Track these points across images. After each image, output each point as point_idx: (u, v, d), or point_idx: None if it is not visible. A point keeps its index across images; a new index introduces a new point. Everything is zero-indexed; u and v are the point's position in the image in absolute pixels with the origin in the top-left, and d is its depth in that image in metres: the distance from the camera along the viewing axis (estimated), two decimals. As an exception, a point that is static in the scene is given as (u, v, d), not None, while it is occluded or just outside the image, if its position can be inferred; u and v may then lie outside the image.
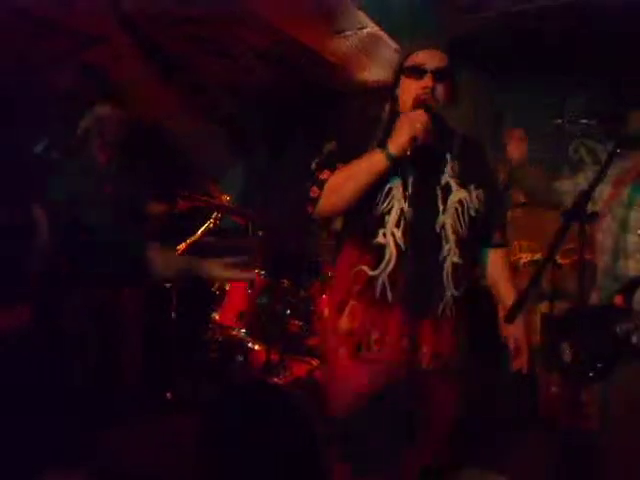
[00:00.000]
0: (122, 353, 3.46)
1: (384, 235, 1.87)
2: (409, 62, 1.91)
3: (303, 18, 3.19)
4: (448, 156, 1.94)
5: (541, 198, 2.95)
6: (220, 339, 3.29)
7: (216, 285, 3.65)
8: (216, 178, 4.18)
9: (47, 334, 3.41)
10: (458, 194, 1.92)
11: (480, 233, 2.01)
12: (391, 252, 1.86)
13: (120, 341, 3.44)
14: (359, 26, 3.30)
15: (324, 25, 3.30)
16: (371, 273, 1.88)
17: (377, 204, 1.88)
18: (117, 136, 3.47)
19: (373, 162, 1.84)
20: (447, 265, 1.88)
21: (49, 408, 3.08)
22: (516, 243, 4.12)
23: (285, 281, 3.26)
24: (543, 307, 3.68)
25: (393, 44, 3.57)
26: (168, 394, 3.53)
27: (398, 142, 1.79)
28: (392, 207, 1.87)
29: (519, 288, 2.01)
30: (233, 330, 3.20)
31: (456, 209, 1.91)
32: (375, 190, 1.87)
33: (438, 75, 1.89)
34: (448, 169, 1.93)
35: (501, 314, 2.35)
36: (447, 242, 1.89)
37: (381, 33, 3.40)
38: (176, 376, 3.62)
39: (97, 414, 3.21)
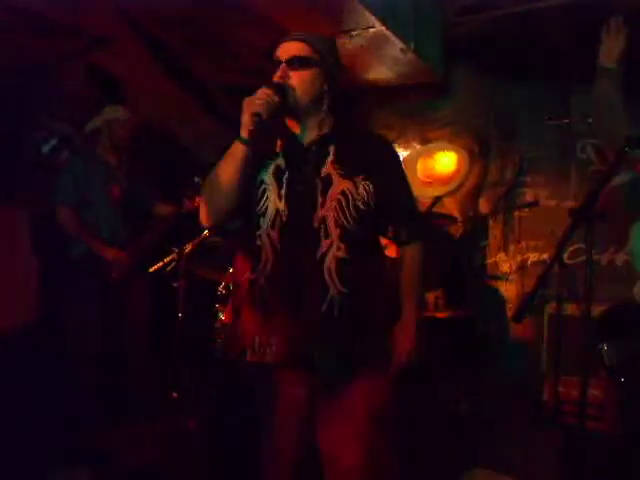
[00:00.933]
0: (128, 351, 3.47)
1: (260, 237, 1.83)
2: (273, 55, 1.88)
3: (308, 17, 3.18)
4: (331, 148, 1.86)
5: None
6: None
7: (222, 285, 3.66)
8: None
9: (52, 332, 3.43)
10: (340, 185, 1.82)
11: (378, 229, 1.93)
12: (267, 254, 1.81)
13: (126, 339, 3.44)
14: (365, 25, 3.29)
15: (330, 25, 3.29)
16: (252, 277, 1.85)
17: (255, 206, 1.84)
18: (126, 139, 3.49)
19: (232, 150, 1.79)
20: (328, 261, 1.78)
21: (52, 406, 3.09)
22: (523, 243, 4.11)
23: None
24: (550, 308, 3.67)
25: (399, 43, 3.56)
26: (174, 394, 3.54)
27: (242, 123, 1.75)
28: (267, 208, 1.82)
29: (527, 289, 2.00)
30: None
31: (339, 201, 1.80)
32: (253, 192, 1.84)
33: (290, 63, 1.83)
34: (329, 160, 1.84)
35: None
36: (328, 237, 1.79)
37: (387, 32, 3.38)
38: (182, 375, 3.63)
39: (101, 413, 3.22)
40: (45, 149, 4.01)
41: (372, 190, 1.84)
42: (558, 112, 4.00)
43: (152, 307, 3.59)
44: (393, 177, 1.94)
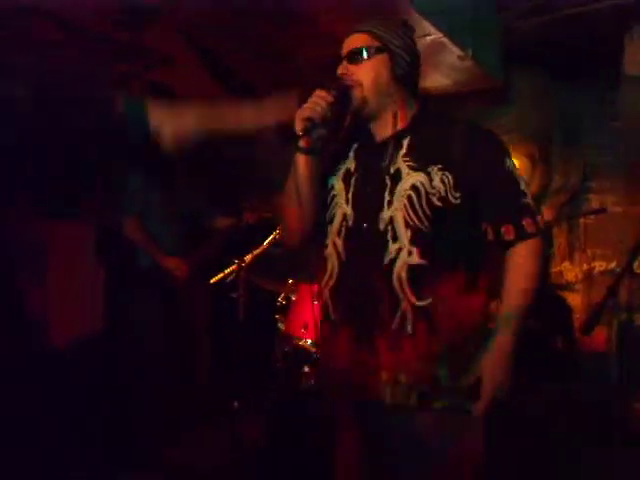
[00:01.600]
0: (190, 360, 3.53)
1: (327, 246, 1.68)
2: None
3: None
4: (405, 141, 1.63)
5: None
6: (286, 349, 3.31)
7: (282, 296, 3.68)
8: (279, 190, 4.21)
9: (118, 342, 3.53)
10: (410, 179, 1.57)
11: (469, 229, 1.60)
12: (333, 264, 1.65)
13: (189, 348, 3.51)
14: (422, 34, 3.26)
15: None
16: (322, 289, 1.68)
17: (325, 215, 1.70)
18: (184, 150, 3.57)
19: (295, 163, 1.66)
20: (398, 269, 1.54)
21: (119, 415, 3.16)
22: (589, 251, 3.98)
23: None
24: (620, 319, 3.52)
25: (457, 51, 3.51)
26: (235, 403, 3.57)
27: (296, 131, 1.58)
28: (335, 214, 1.67)
29: (594, 299, 1.93)
30: (299, 340, 3.21)
31: (409, 197, 1.56)
32: (325, 199, 1.70)
33: (350, 58, 1.67)
34: (401, 154, 1.62)
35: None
36: (396, 240, 1.55)
37: (445, 40, 3.35)
38: (243, 385, 3.66)
39: (163, 421, 3.29)
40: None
41: (452, 182, 1.55)
42: (623, 115, 3.87)
43: (213, 317, 3.65)
44: (486, 166, 1.60)
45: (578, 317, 3.89)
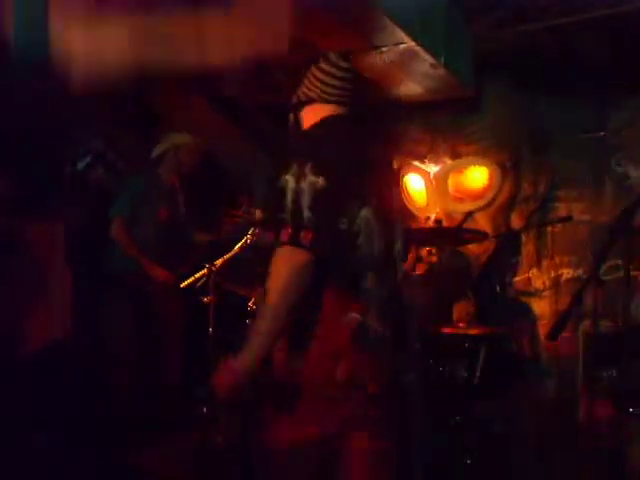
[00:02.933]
0: (160, 366, 3.50)
1: (368, 279, 1.73)
2: None
3: (338, 35, 3.20)
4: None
5: None
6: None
7: (252, 300, 3.67)
8: (250, 193, 4.22)
9: (87, 347, 3.47)
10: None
11: None
12: (373, 296, 1.73)
13: (161, 354, 3.48)
14: (395, 42, 3.30)
15: (360, 41, 3.30)
16: (363, 321, 1.72)
17: (361, 246, 1.72)
18: (191, 164, 3.58)
19: None
20: (404, 285, 1.85)
21: (86, 422, 3.11)
22: (557, 258, 4.04)
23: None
24: (585, 325, 3.59)
25: (429, 59, 3.55)
26: (204, 409, 3.54)
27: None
28: (372, 253, 1.73)
29: (561, 305, 1.97)
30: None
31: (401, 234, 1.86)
32: (359, 231, 1.72)
33: None
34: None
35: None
36: (401, 262, 1.84)
37: (417, 48, 3.38)
38: (212, 390, 3.63)
39: (132, 427, 3.25)
40: (80, 165, 4.09)
41: None
42: (592, 125, 3.95)
43: (184, 322, 3.63)
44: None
45: (545, 323, 3.96)
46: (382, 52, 3.43)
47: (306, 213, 1.64)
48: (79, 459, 2.85)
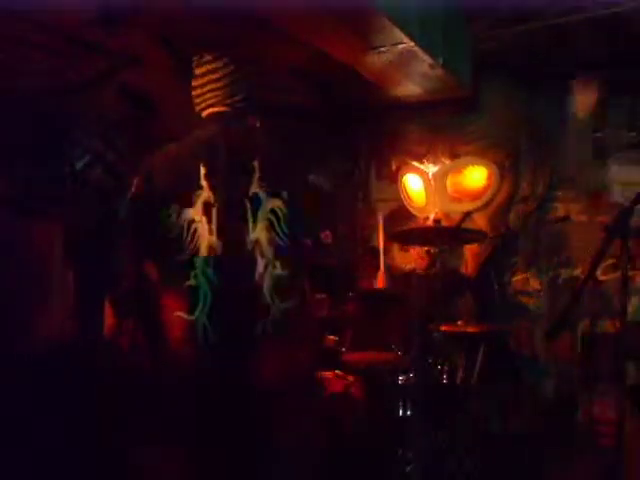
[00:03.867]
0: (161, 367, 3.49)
1: (196, 276, 1.80)
2: None
3: (336, 35, 3.20)
4: (255, 163, 1.86)
5: None
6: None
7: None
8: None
9: (88, 346, 3.47)
10: (269, 204, 1.84)
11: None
12: (205, 293, 1.80)
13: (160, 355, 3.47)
14: (394, 42, 3.30)
15: (358, 42, 3.30)
16: (190, 318, 1.81)
17: (185, 247, 1.82)
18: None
19: None
20: (267, 280, 1.82)
21: (86, 424, 3.12)
22: (555, 258, 4.05)
23: (323, 295, 3.28)
24: (583, 324, 3.60)
25: (428, 59, 3.55)
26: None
27: None
28: (200, 246, 1.81)
29: (559, 305, 1.97)
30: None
31: (269, 220, 1.84)
32: (181, 232, 1.82)
33: None
34: (255, 178, 1.85)
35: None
36: (263, 257, 1.82)
37: (416, 48, 3.38)
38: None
39: (134, 430, 3.25)
40: (78, 165, 4.09)
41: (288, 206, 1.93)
42: (591, 125, 3.96)
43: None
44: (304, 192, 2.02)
45: (543, 322, 3.97)
46: (380, 52, 3.43)
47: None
48: (80, 452, 2.86)
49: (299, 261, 1.91)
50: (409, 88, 4.03)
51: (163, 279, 1.91)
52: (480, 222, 4.24)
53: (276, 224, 1.84)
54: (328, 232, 2.05)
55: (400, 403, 3.03)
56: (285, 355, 1.84)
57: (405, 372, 3.09)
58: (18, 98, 3.56)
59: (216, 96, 1.99)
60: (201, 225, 1.82)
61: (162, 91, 3.97)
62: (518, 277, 4.15)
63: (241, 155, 1.88)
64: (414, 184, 4.43)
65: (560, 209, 4.08)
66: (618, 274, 1.99)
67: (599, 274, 3.35)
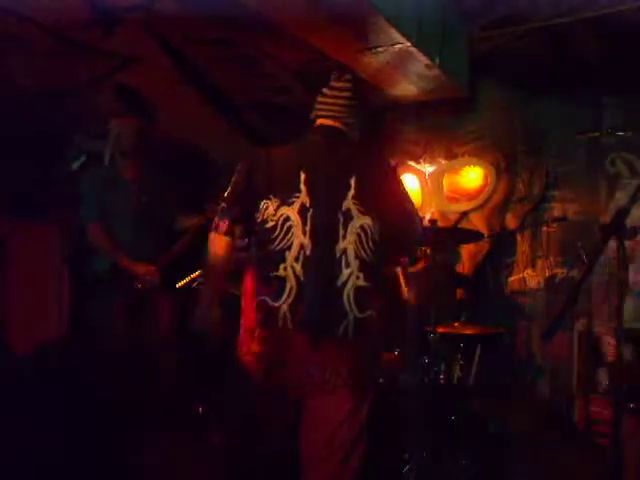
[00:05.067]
0: (155, 365, 3.49)
1: (284, 269, 1.99)
2: None
3: (334, 35, 3.21)
4: (352, 181, 2.03)
5: None
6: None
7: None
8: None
9: (83, 346, 3.47)
10: (359, 220, 2.01)
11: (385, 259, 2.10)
12: (291, 285, 1.98)
13: (153, 353, 3.47)
14: (391, 42, 3.30)
15: (355, 42, 3.31)
16: (273, 304, 1.99)
17: (277, 240, 2.01)
18: (133, 145, 3.48)
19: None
20: (348, 289, 1.97)
21: (82, 421, 3.11)
22: (551, 258, 4.06)
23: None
24: (580, 325, 3.61)
25: (424, 59, 3.56)
26: (200, 408, 3.55)
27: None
28: (292, 243, 1.99)
29: (556, 305, 1.98)
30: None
31: (358, 235, 2.00)
32: (275, 225, 2.02)
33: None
34: (350, 195, 2.02)
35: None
36: (348, 267, 1.98)
37: (413, 49, 3.39)
38: (208, 390, 3.64)
39: (127, 426, 3.25)
40: (75, 166, 4.09)
41: (380, 229, 2.10)
42: (587, 126, 3.96)
43: (178, 322, 3.61)
44: (398, 211, 2.19)
45: (540, 323, 3.98)
46: (377, 52, 3.43)
47: (224, 205, 2.15)
48: (74, 452, 2.86)
49: (383, 277, 2.10)
50: (406, 88, 4.04)
51: (253, 264, 2.13)
52: (477, 222, 4.24)
53: (364, 240, 2.00)
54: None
55: (399, 403, 3.04)
56: (351, 358, 2.00)
57: (403, 372, 3.09)
58: (17, 98, 3.55)
59: (339, 110, 2.17)
60: (295, 224, 2.00)
61: (161, 91, 3.97)
62: (515, 277, 4.16)
63: (341, 170, 2.05)
64: (410, 184, 4.44)
65: (557, 209, 4.08)
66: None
67: (594, 274, 3.36)
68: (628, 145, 3.83)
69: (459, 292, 4.02)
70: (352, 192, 2.02)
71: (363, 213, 2.02)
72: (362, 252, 2.00)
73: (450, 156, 4.41)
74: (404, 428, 2.96)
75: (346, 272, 1.98)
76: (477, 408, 3.23)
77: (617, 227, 1.90)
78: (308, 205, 2.01)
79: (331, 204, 2.02)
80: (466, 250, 4.22)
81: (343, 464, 2.05)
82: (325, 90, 2.21)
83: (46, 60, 3.44)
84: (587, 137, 3.94)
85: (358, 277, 1.98)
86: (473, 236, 3.78)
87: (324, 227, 2.00)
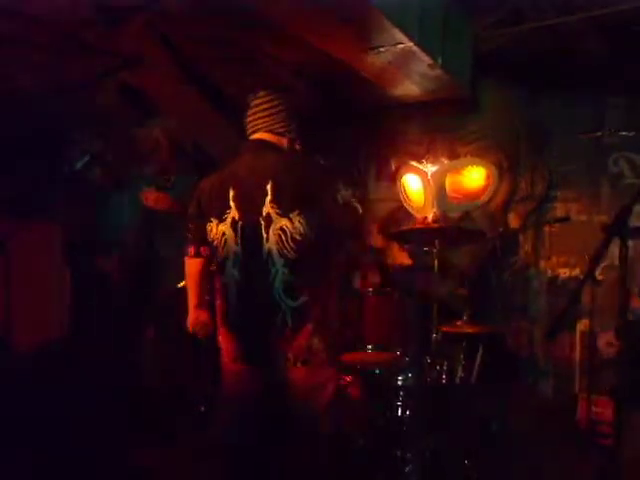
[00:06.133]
0: (160, 363, 3.50)
1: (226, 276, 2.32)
2: None
3: (337, 35, 3.21)
4: (268, 187, 2.23)
5: None
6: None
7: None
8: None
9: (83, 345, 3.47)
10: (279, 222, 2.23)
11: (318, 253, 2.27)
12: (231, 289, 2.31)
13: (160, 351, 3.48)
14: (393, 42, 3.30)
15: (358, 42, 3.31)
16: (225, 305, 2.35)
17: (219, 253, 2.33)
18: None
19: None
20: (277, 283, 2.23)
21: (86, 421, 3.12)
22: (554, 258, 4.05)
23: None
24: (582, 325, 3.60)
25: (427, 59, 3.56)
26: (202, 407, 3.55)
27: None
28: (229, 253, 2.30)
29: (559, 305, 1.97)
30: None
31: (279, 235, 2.23)
32: (218, 243, 2.33)
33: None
34: (267, 200, 2.24)
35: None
36: (274, 265, 2.23)
37: (415, 48, 3.39)
38: (209, 388, 3.64)
39: (131, 427, 3.25)
40: (78, 165, 4.09)
41: (307, 223, 2.25)
42: (590, 126, 3.96)
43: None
44: (326, 207, 2.33)
45: (542, 323, 3.97)
46: (380, 52, 3.43)
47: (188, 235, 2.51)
48: (76, 452, 2.86)
49: (313, 269, 2.28)
50: (408, 88, 4.03)
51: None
52: (479, 222, 4.24)
53: (284, 239, 2.21)
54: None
55: (399, 403, 3.03)
56: (302, 344, 2.24)
57: (404, 372, 3.09)
58: (17, 98, 3.56)
59: (262, 122, 2.38)
60: (229, 237, 2.29)
61: (161, 90, 3.97)
62: (517, 277, 4.15)
63: (259, 178, 2.26)
64: (413, 184, 4.43)
65: (559, 209, 4.07)
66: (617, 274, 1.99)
67: (598, 274, 3.35)
68: (631, 145, 3.83)
69: (462, 291, 4.01)
70: (269, 197, 2.23)
71: (281, 215, 2.22)
72: (285, 250, 2.22)
73: (453, 156, 4.40)
74: (405, 428, 2.96)
75: (273, 270, 2.23)
76: (479, 408, 3.23)
77: (620, 227, 1.89)
78: (237, 218, 2.28)
79: (254, 211, 2.25)
80: (469, 250, 4.21)
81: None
82: (247, 112, 2.43)
83: (47, 59, 3.44)
84: (590, 137, 3.93)
85: (284, 273, 2.22)
86: (476, 236, 3.77)
87: (251, 234, 2.26)
